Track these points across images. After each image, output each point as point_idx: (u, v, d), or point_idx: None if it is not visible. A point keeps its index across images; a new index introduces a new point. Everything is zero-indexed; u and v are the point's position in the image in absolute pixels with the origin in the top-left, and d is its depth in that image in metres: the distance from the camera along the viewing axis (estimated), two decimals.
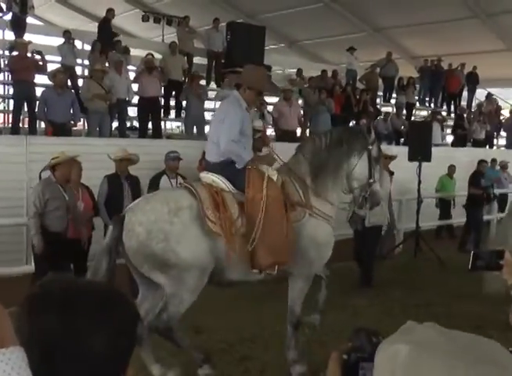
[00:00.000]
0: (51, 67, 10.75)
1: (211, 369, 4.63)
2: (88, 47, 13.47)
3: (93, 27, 21.07)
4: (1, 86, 12.74)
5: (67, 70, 11.06)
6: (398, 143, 14.55)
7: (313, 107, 13.60)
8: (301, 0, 18.47)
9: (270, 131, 12.58)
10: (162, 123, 13.27)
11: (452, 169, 12.25)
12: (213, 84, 15.09)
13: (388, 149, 10.20)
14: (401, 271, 8.98)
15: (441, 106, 18.93)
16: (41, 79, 10.68)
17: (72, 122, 9.97)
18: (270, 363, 5.18)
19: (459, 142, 16.41)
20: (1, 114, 13.23)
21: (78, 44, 13.67)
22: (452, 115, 18.15)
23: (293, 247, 4.70)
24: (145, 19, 18.61)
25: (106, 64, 11.78)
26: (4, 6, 12.97)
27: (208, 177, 4.77)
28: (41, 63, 10.34)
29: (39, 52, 10.68)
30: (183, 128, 13.34)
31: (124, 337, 1.11)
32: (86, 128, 11.40)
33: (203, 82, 13.15)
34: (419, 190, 10.17)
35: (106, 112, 10.52)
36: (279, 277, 4.95)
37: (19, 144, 8.49)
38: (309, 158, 5.02)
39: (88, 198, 6.80)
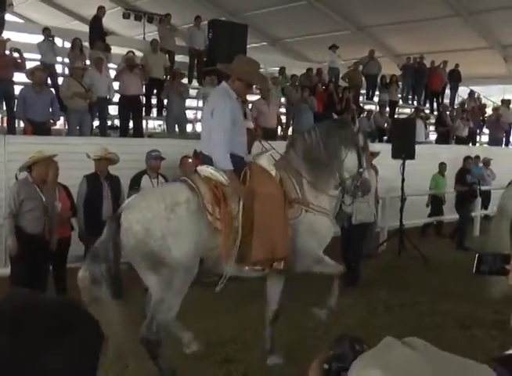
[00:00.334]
0: (31, 65, 10.60)
1: None
2: (68, 45, 13.30)
3: (75, 25, 20.98)
4: None
5: (47, 68, 10.90)
6: (381, 141, 14.52)
7: (296, 105, 13.58)
8: None
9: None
10: (143, 121, 13.16)
11: (442, 167, 12.22)
12: (195, 83, 15.02)
13: (371, 146, 10.13)
14: (385, 269, 8.93)
15: (424, 104, 19.01)
16: (19, 77, 10.56)
17: (51, 121, 9.81)
18: (253, 365, 5.09)
19: (442, 139, 16.46)
20: None
21: (59, 42, 13.50)
22: (435, 113, 18.21)
23: (291, 243, 4.75)
24: (126, 16, 18.52)
25: (87, 62, 11.62)
26: None
27: (206, 170, 4.71)
28: (19, 60, 10.23)
29: (17, 50, 10.55)
30: (165, 126, 13.23)
31: (84, 359, 1.04)
32: (66, 127, 11.23)
33: (184, 80, 13.08)
34: (402, 188, 10.13)
35: (87, 111, 10.36)
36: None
37: None
38: (302, 154, 5.08)
39: (65, 198, 6.63)
